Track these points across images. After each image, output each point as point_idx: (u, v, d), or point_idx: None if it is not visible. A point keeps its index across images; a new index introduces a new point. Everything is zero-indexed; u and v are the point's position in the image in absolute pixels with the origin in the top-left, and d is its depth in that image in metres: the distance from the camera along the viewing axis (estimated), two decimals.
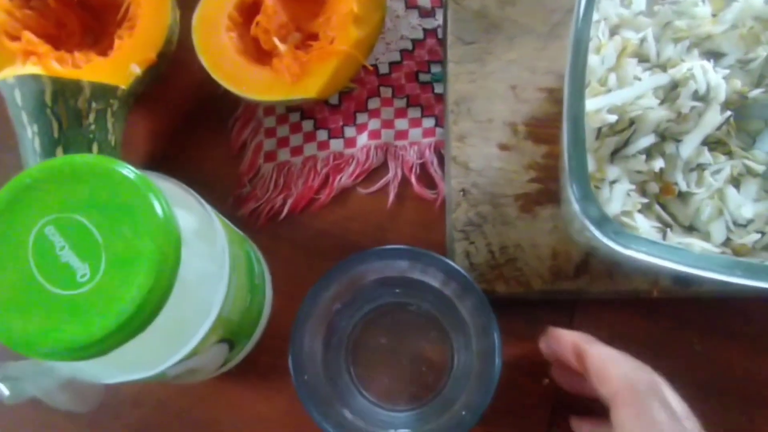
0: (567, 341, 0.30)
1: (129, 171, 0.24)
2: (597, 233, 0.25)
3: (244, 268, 0.31)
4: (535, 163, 0.35)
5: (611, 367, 0.27)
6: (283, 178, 0.40)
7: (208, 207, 0.28)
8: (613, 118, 0.30)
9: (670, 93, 0.31)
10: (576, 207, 0.25)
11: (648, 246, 0.25)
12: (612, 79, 0.30)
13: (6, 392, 0.22)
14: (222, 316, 0.28)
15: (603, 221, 0.25)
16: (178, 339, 0.26)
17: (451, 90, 0.37)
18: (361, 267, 0.30)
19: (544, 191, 0.35)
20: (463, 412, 0.27)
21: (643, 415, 0.25)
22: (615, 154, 0.31)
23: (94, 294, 0.23)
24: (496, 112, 0.36)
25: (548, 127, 0.36)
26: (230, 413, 0.37)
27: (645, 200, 0.31)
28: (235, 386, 0.37)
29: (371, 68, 0.40)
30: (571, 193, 0.26)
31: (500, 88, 0.36)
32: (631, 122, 0.30)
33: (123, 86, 0.35)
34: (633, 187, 0.30)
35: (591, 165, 0.29)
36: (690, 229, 0.31)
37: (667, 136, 0.31)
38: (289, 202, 0.39)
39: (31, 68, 0.34)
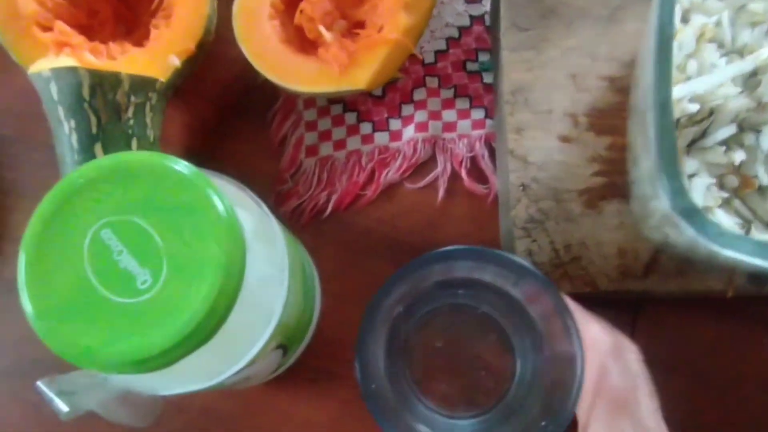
0: None
1: (186, 168, 0.22)
2: (690, 229, 0.23)
3: (299, 270, 0.29)
4: (598, 156, 0.33)
5: (595, 330, 0.27)
6: (327, 173, 0.38)
7: (264, 206, 0.26)
8: (695, 107, 0.28)
9: (749, 80, 0.29)
10: (665, 200, 0.23)
11: (750, 245, 0.23)
12: (692, 65, 0.28)
13: (64, 408, 0.21)
14: (282, 322, 0.26)
15: (695, 214, 0.23)
16: (240, 347, 0.24)
17: (507, 79, 0.35)
18: (423, 270, 0.28)
19: (609, 185, 0.33)
20: (543, 423, 0.26)
21: (600, 375, 0.25)
22: (691, 146, 0.29)
23: (156, 302, 0.21)
24: (555, 102, 0.34)
25: (611, 117, 0.34)
26: (278, 419, 0.35)
27: (725, 194, 0.29)
28: (283, 391, 0.35)
29: (419, 56, 0.38)
30: (659, 187, 0.24)
31: (559, 76, 0.34)
32: (711, 112, 0.28)
33: (162, 79, 0.33)
34: (713, 180, 0.28)
35: (680, 158, 0.27)
36: None
37: (746, 126, 0.29)
38: (334, 198, 0.38)
39: (67, 60, 0.32)
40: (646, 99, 0.26)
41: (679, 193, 0.24)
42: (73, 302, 0.21)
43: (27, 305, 0.21)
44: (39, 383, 0.22)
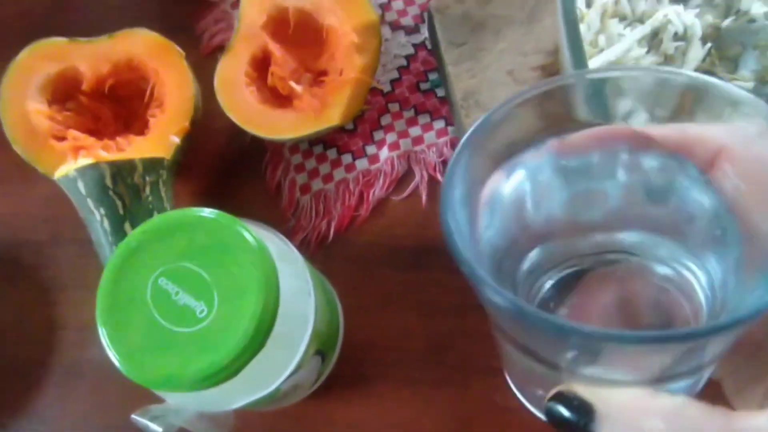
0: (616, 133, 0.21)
1: (213, 214, 0.27)
2: None
3: (319, 284, 0.34)
4: None
5: (704, 128, 0.20)
6: (322, 204, 0.43)
7: (280, 234, 0.31)
8: None
9: (653, 41, 0.35)
10: None
11: None
12: (601, 40, 0.34)
13: (159, 429, 0.25)
14: (316, 328, 0.31)
15: None
16: (286, 354, 0.29)
17: (456, 89, 0.40)
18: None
19: None
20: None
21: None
22: None
23: (214, 325, 0.26)
24: (500, 97, 0.39)
25: None
26: (328, 426, 0.39)
27: None
28: (327, 401, 0.40)
29: (378, 88, 0.44)
30: None
31: (499, 76, 0.40)
32: None
33: (167, 157, 0.39)
34: None
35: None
36: None
37: None
38: (333, 224, 0.43)
39: (86, 160, 0.37)
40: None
41: None
42: (147, 341, 0.26)
43: (112, 353, 0.26)
44: (134, 415, 0.26)
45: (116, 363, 0.26)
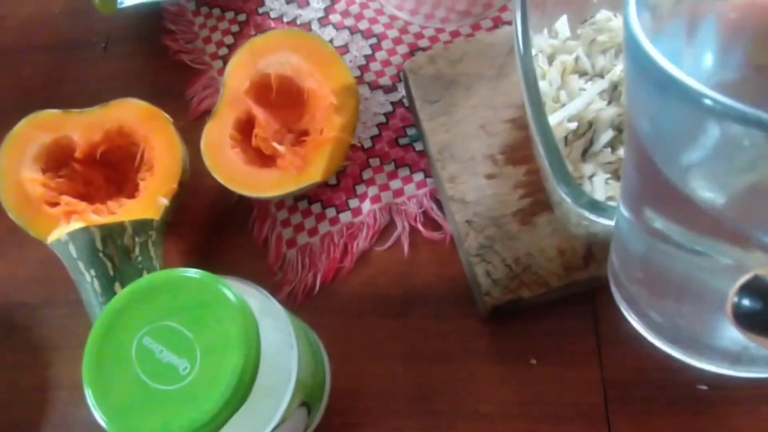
0: None
1: (196, 273, 0.29)
2: (594, 216, 0.30)
3: (303, 336, 0.35)
4: (520, 182, 0.40)
5: None
6: (308, 257, 0.45)
7: (263, 290, 0.33)
8: (573, 125, 0.35)
9: (613, 93, 0.37)
10: (569, 202, 0.30)
11: None
12: (563, 95, 0.36)
13: None
14: (299, 380, 0.31)
15: (594, 205, 0.30)
16: (270, 406, 0.30)
17: (432, 142, 0.42)
18: None
19: (535, 202, 0.40)
20: None
21: None
22: (585, 154, 0.37)
23: (198, 381, 0.27)
24: (474, 149, 0.42)
25: (521, 149, 0.41)
26: None
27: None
28: None
29: (359, 145, 0.46)
30: (561, 193, 0.30)
31: (471, 129, 0.42)
32: (590, 124, 0.36)
33: (156, 218, 0.40)
34: (609, 175, 0.36)
35: (568, 167, 0.35)
36: None
37: (622, 127, 0.37)
38: (319, 276, 0.44)
39: (77, 224, 0.39)
40: (533, 131, 0.34)
41: (576, 193, 0.31)
42: (132, 400, 0.27)
43: (98, 414, 0.27)
44: None
45: (102, 423, 0.27)
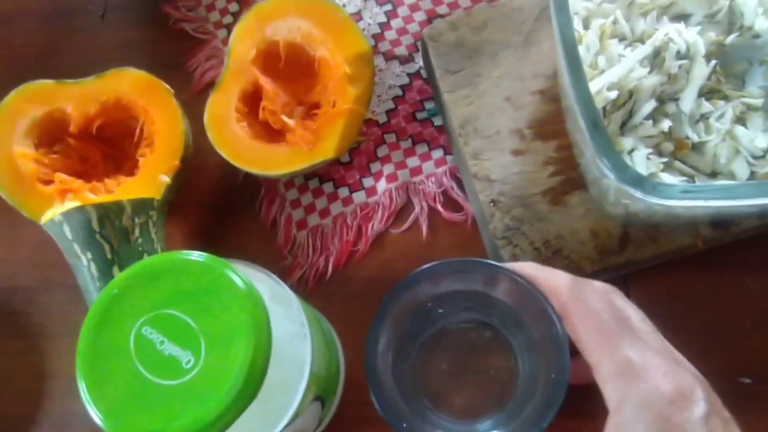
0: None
1: (200, 256, 0.26)
2: (640, 194, 0.27)
3: (316, 326, 0.32)
4: (550, 159, 0.37)
5: (558, 277, 0.27)
6: (320, 240, 0.42)
7: (274, 275, 0.30)
8: (613, 94, 0.32)
9: (655, 60, 0.34)
10: (612, 177, 0.27)
11: (689, 191, 0.26)
12: (601, 61, 0.33)
13: None
14: (313, 372, 0.29)
15: (641, 180, 0.27)
16: (282, 402, 0.27)
17: (453, 116, 0.39)
18: (402, 298, 0.31)
19: (566, 181, 0.37)
20: (553, 375, 0.27)
21: (589, 315, 0.25)
22: (624, 127, 0.33)
23: (202, 376, 0.24)
24: (500, 124, 0.39)
25: (551, 123, 0.38)
26: None
27: (664, 159, 0.33)
28: None
29: (374, 119, 0.43)
30: (603, 167, 0.27)
31: (497, 102, 0.39)
32: (630, 94, 0.33)
33: (157, 197, 0.37)
34: (650, 150, 0.32)
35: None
36: (713, 174, 0.33)
37: (664, 98, 0.34)
38: (331, 260, 0.41)
39: (72, 203, 0.36)
40: (571, 99, 0.30)
41: (620, 167, 0.28)
42: (131, 396, 0.24)
43: (93, 410, 0.24)
44: None
45: (98, 421, 0.24)
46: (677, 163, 0.33)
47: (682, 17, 0.35)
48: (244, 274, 0.26)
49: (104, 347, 0.25)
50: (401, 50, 0.45)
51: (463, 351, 0.36)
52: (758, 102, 0.32)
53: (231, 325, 0.24)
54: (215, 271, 0.25)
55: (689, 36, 0.33)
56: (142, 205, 0.36)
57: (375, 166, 0.43)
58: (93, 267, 0.35)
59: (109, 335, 0.25)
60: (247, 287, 0.25)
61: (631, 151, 0.33)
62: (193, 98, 0.45)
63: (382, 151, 0.43)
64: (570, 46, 0.30)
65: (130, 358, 0.24)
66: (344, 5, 0.46)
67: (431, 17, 0.46)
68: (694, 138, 0.33)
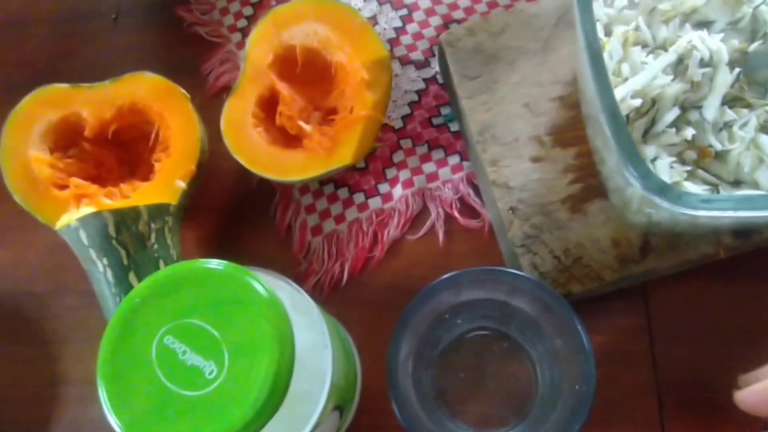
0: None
1: (221, 265, 0.26)
2: (666, 203, 0.26)
3: (335, 334, 0.32)
4: (569, 166, 0.37)
5: None
6: (335, 246, 0.41)
7: (293, 283, 0.29)
8: (637, 101, 0.32)
9: (678, 68, 0.33)
10: (637, 186, 0.27)
11: (714, 201, 0.26)
12: (625, 69, 0.33)
13: None
14: (334, 382, 0.28)
15: (666, 189, 0.27)
16: (304, 412, 0.27)
17: (471, 122, 0.39)
18: (426, 306, 0.31)
19: (586, 188, 0.36)
20: (577, 386, 0.28)
21: None
22: (646, 135, 0.33)
23: (226, 386, 0.24)
24: (518, 131, 0.38)
25: (570, 130, 0.38)
26: None
27: (688, 168, 0.32)
28: None
29: (390, 124, 0.43)
30: (629, 176, 0.27)
31: (515, 108, 0.39)
32: (653, 102, 0.32)
33: (173, 202, 0.37)
34: (673, 158, 0.32)
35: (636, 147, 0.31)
36: (737, 183, 0.33)
37: (687, 106, 0.33)
38: (347, 267, 0.41)
39: (88, 208, 0.35)
40: (595, 107, 0.30)
41: (646, 175, 0.28)
42: (154, 407, 0.24)
43: (114, 420, 0.24)
44: None
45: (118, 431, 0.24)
46: (700, 172, 0.33)
47: (705, 24, 0.34)
48: (266, 283, 0.25)
49: (126, 357, 0.24)
50: (417, 55, 0.45)
51: (481, 360, 0.36)
52: None
53: (255, 335, 0.24)
54: (238, 279, 0.25)
55: (712, 43, 0.32)
56: (158, 211, 0.36)
57: (391, 172, 0.43)
58: (109, 273, 0.35)
59: (131, 345, 0.24)
60: (270, 296, 0.25)
61: (653, 160, 0.33)
62: (206, 102, 0.45)
63: (397, 157, 0.43)
64: (596, 54, 0.29)
65: (152, 368, 0.24)
66: (359, 10, 0.46)
67: (447, 22, 0.45)
68: (718, 146, 0.33)
